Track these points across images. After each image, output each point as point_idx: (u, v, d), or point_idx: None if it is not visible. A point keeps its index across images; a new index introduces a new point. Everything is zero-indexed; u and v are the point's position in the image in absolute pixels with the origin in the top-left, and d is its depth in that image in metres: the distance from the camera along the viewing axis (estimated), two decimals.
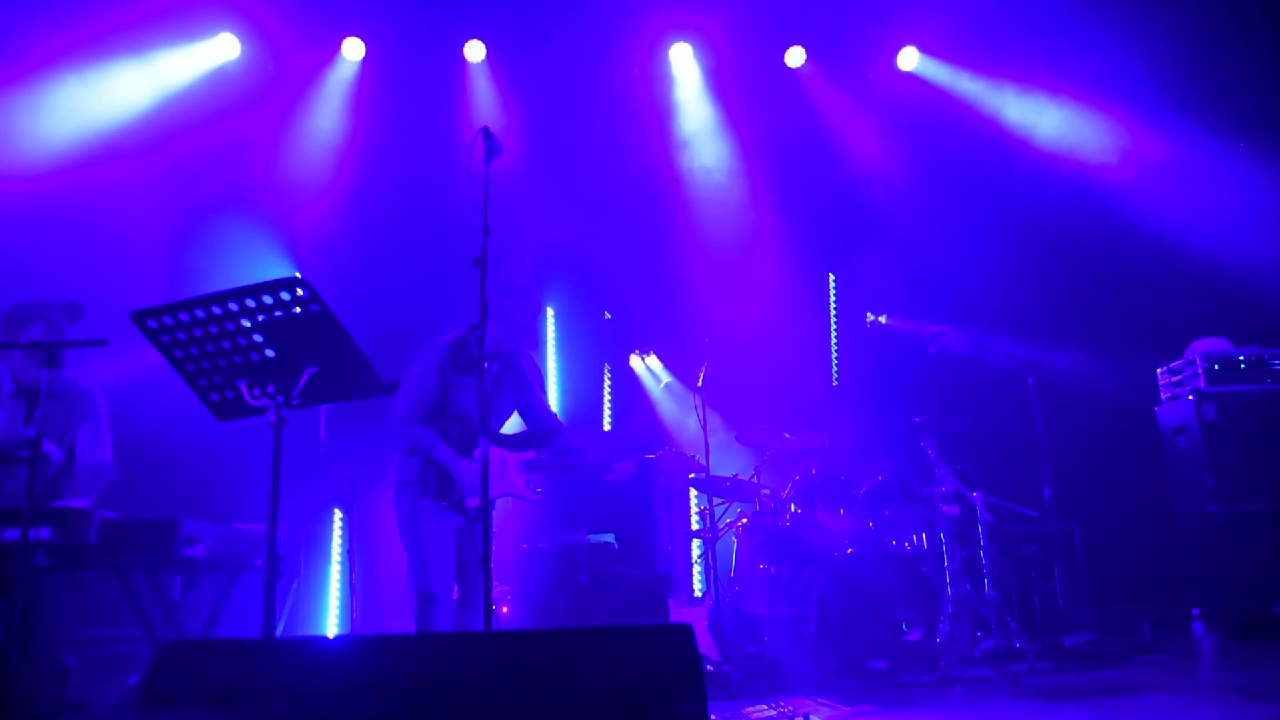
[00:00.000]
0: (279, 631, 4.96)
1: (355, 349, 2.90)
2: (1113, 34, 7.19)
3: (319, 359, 2.88)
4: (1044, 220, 7.70)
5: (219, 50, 7.08)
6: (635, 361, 8.24)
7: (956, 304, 7.32)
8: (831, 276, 8.40)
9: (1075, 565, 6.58)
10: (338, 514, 6.70)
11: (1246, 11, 7.02)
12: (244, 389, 2.90)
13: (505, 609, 5.99)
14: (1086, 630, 6.12)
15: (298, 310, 2.77)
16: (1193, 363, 6.65)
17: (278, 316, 2.78)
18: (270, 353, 2.86)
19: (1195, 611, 5.71)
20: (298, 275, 2.82)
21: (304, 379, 2.88)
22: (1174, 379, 6.87)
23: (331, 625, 6.50)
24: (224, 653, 2.03)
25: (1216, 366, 6.57)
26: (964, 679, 4.83)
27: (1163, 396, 6.98)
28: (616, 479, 4.33)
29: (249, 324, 2.81)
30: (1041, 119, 7.86)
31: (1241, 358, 6.61)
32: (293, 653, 2.07)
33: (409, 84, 7.48)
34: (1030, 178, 7.78)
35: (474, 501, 3.89)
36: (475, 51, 7.57)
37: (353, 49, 7.37)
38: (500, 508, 4.18)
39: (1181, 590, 6.26)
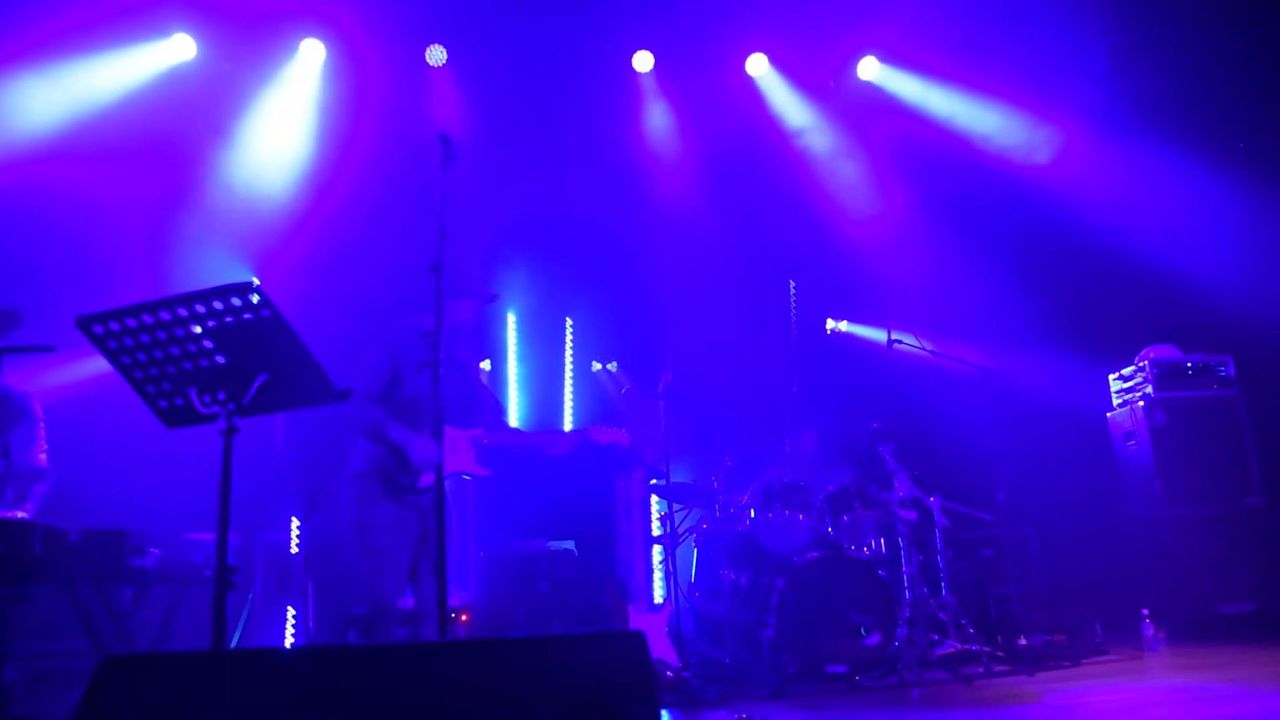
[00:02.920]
0: (233, 644, 4.90)
1: (309, 355, 2.86)
2: (1071, 46, 7.31)
3: (271, 365, 2.84)
4: (1002, 228, 7.81)
5: (174, 51, 6.97)
6: (596, 367, 8.24)
7: (915, 311, 7.40)
8: (792, 283, 8.46)
9: (1030, 568, 6.67)
10: (295, 522, 6.61)
11: (1197, 28, 7.17)
12: (194, 396, 2.85)
13: (465, 617, 5.95)
14: (1041, 632, 6.21)
15: (250, 316, 2.73)
16: (1143, 369, 6.79)
17: (229, 322, 2.73)
18: (221, 359, 2.81)
19: (1145, 612, 5.82)
20: (252, 280, 2.77)
21: (256, 386, 2.84)
22: (1125, 385, 7.01)
23: (287, 637, 6.41)
24: (169, 666, 1.99)
25: (1165, 373, 6.71)
26: (921, 682, 4.88)
27: (1114, 402, 7.11)
28: (557, 453, 4.35)
29: (199, 330, 2.76)
30: (999, 127, 7.97)
31: (1189, 364, 6.76)
32: (241, 665, 2.04)
33: (369, 87, 7.40)
34: (989, 186, 7.89)
35: (428, 480, 3.89)
36: (437, 55, 7.53)
37: (312, 51, 7.29)
38: (456, 502, 4.17)
39: (1132, 592, 6.37)
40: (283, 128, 7.28)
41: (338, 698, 1.90)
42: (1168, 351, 6.85)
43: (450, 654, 2.15)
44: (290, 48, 7.27)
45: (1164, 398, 6.66)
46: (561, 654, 1.94)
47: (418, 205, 3.28)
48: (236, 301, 2.70)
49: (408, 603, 4.01)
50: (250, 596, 5.46)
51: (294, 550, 6.47)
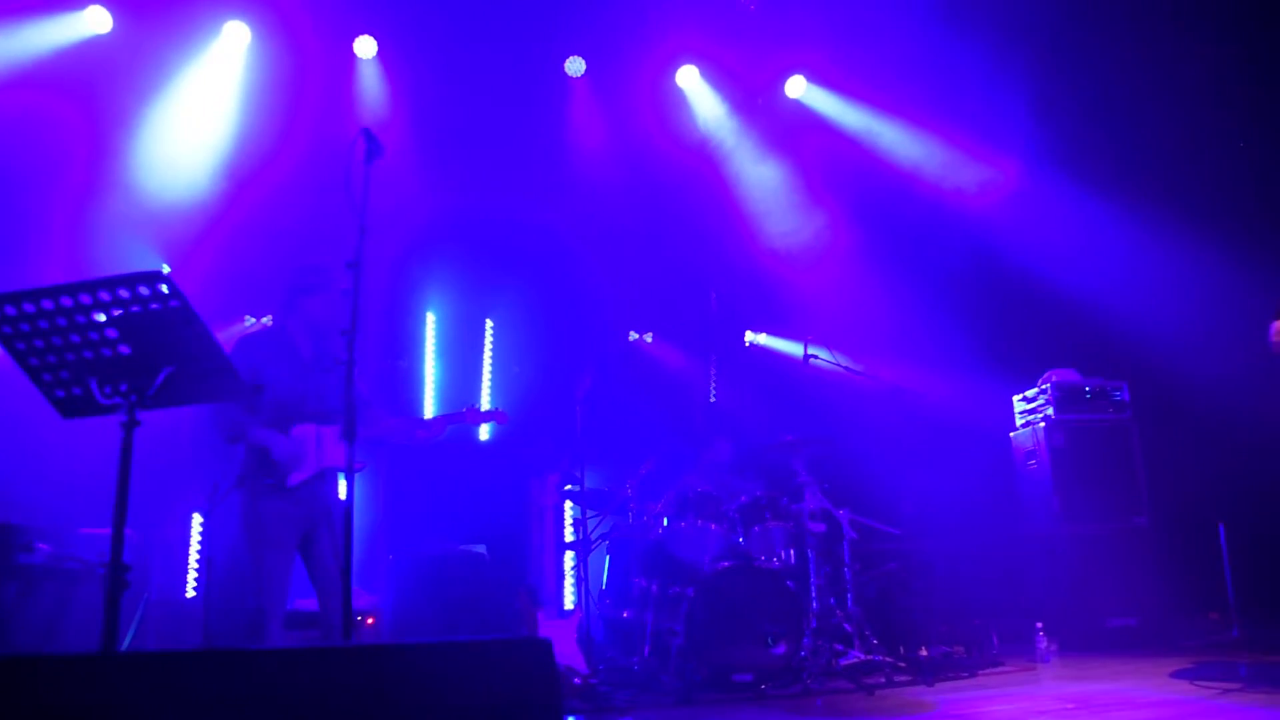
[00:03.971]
0: (124, 645, 4.72)
1: (218, 349, 2.78)
2: (992, 84, 7.56)
3: (178, 358, 2.75)
4: (920, 251, 8.04)
5: (88, 23, 6.68)
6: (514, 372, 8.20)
7: (832, 326, 7.56)
8: (713, 294, 8.56)
9: (934, 581, 6.85)
10: (197, 519, 6.41)
11: (1103, 67, 7.51)
12: (94, 386, 2.75)
13: (371, 621, 5.84)
14: (942, 643, 6.38)
15: (158, 306, 2.64)
16: (1045, 392, 7.05)
17: (135, 312, 2.64)
18: (125, 349, 2.72)
19: (1039, 625, 6.04)
20: (162, 269, 2.69)
21: (161, 378, 2.75)
22: (1028, 406, 7.28)
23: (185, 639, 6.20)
24: (53, 668, 1.90)
25: (1065, 396, 6.98)
26: (825, 691, 4.97)
27: (1018, 423, 7.37)
28: (429, 435, 4.26)
29: (103, 318, 2.66)
30: (922, 154, 8.20)
31: (1088, 388, 7.06)
32: (132, 668, 1.97)
33: (293, 75, 7.22)
34: (909, 210, 8.12)
35: (297, 478, 3.83)
36: (366, 47, 7.40)
37: (235, 34, 7.08)
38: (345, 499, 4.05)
39: (1029, 605, 6.61)
40: (202, 112, 7.03)
41: (234, 703, 1.86)
42: (1068, 375, 7.13)
43: (351, 658, 2.12)
44: (213, 28, 7.04)
45: (1063, 419, 6.94)
46: (466, 660, 1.93)
47: (338, 199, 3.21)
48: (144, 291, 2.61)
49: (310, 605, 3.93)
50: (145, 596, 5.27)
51: (195, 548, 6.27)
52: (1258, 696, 4.11)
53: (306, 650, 3.46)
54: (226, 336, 6.69)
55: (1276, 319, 4.05)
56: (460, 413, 4.42)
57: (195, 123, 7.00)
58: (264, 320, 7.01)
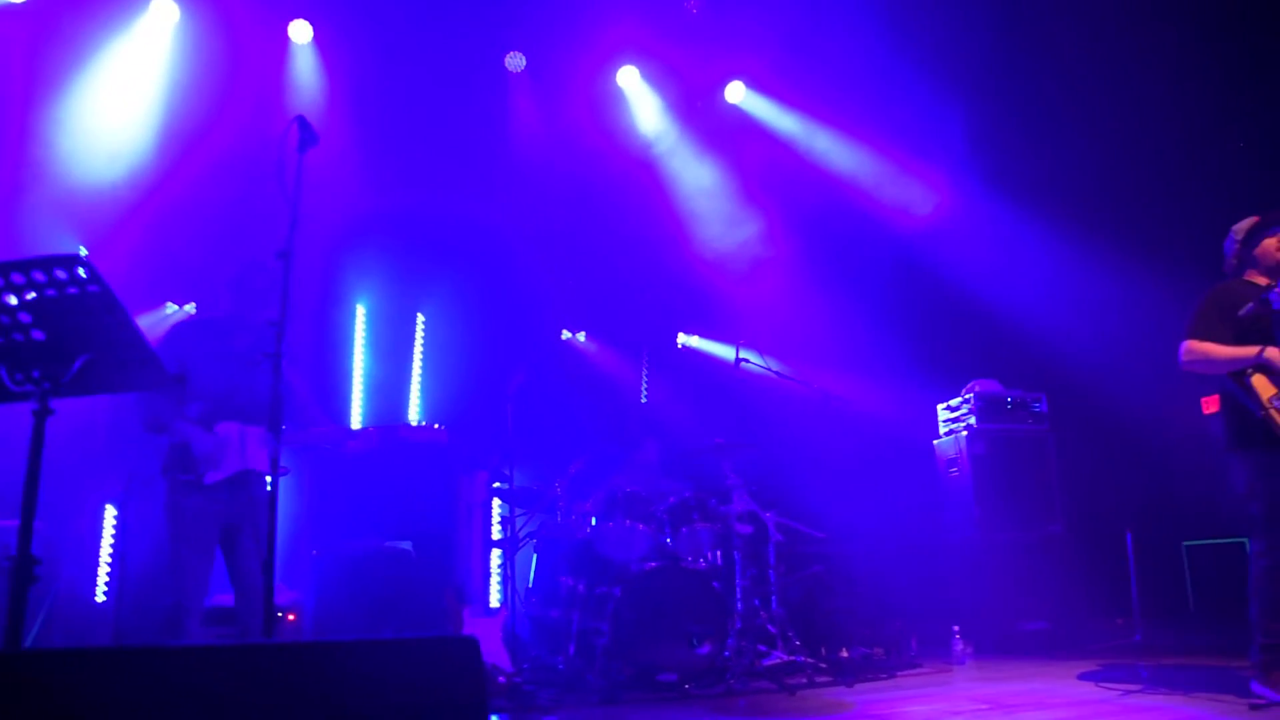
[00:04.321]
0: (29, 641, 4.55)
1: (139, 336, 2.69)
2: (928, 103, 7.74)
3: (97, 345, 2.66)
4: (853, 259, 8.20)
5: None
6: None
7: (763, 331, 7.65)
8: (647, 295, 8.59)
9: (856, 584, 6.98)
10: (110, 511, 6.20)
11: (1032, 92, 7.76)
12: (3, 372, 2.64)
13: (292, 617, 5.73)
14: (863, 645, 6.50)
15: (75, 290, 2.55)
16: (968, 401, 7.24)
17: (50, 296, 2.54)
18: (39, 335, 2.61)
19: (956, 629, 6.20)
20: (79, 251, 2.59)
21: (77, 366, 2.66)
22: (952, 415, 7.46)
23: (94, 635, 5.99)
24: None
25: (987, 406, 7.18)
26: (747, 691, 5.03)
27: (941, 431, 7.55)
28: (358, 447, 4.17)
29: (16, 301, 2.55)
30: (856, 164, 8.35)
31: (1009, 399, 7.26)
32: (37, 666, 1.89)
33: (224, 57, 7.01)
34: (844, 219, 8.27)
35: (214, 477, 3.76)
36: (301, 32, 7.25)
37: (163, 10, 6.85)
38: (264, 498, 3.95)
39: (947, 609, 6.78)
40: (126, 91, 6.79)
41: (147, 701, 1.80)
42: (991, 386, 7.33)
43: (271, 655, 2.07)
44: (139, 3, 6.81)
45: (985, 429, 7.13)
46: (390, 658, 1.90)
47: (269, 186, 3.14)
48: (61, 274, 2.51)
49: (227, 601, 3.84)
50: (54, 590, 5.08)
51: (108, 541, 6.07)
52: (1156, 698, 4.29)
53: (223, 648, 3.38)
54: (150, 323, 6.49)
55: (1187, 338, 4.21)
56: (395, 427, 4.33)
57: (118, 102, 6.75)
58: (186, 308, 6.81)
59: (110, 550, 6.04)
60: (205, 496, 3.78)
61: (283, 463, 3.25)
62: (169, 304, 6.87)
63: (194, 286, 6.79)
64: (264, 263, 4.06)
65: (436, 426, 4.37)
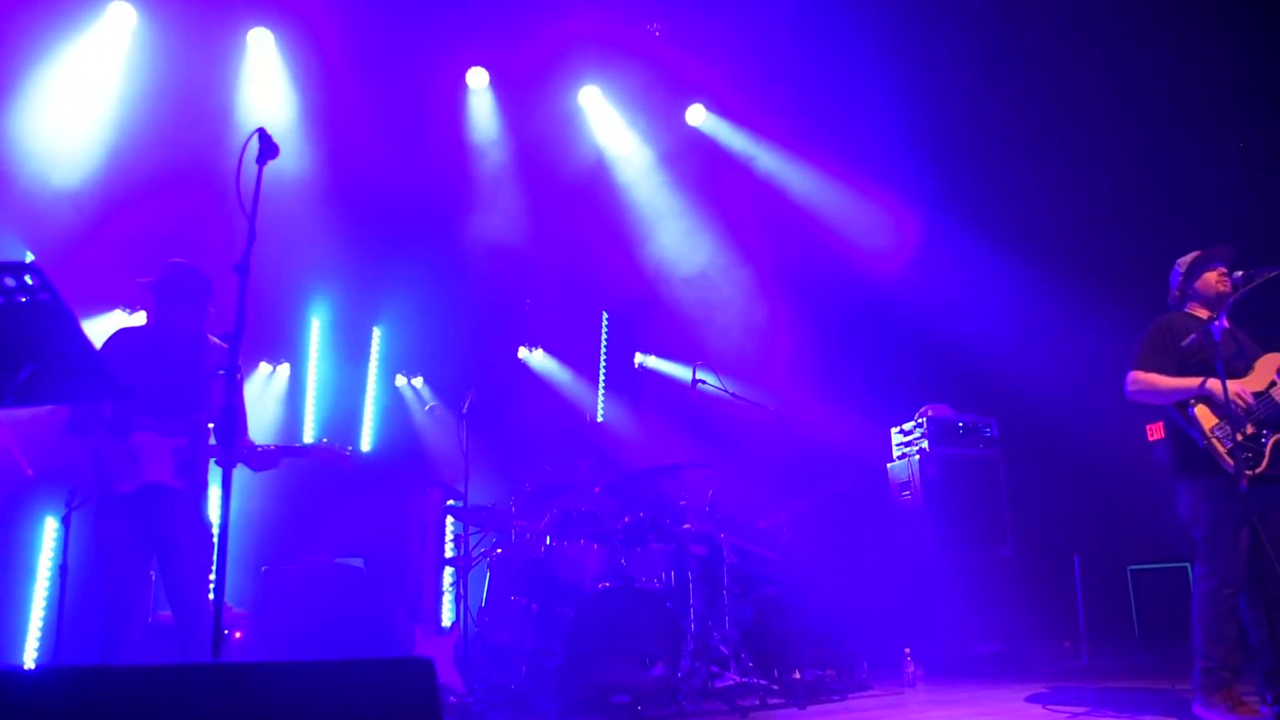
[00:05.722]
0: None
1: (89, 346, 2.63)
2: (884, 131, 7.87)
3: (43, 355, 2.59)
4: (811, 284, 8.28)
5: None
6: (401, 382, 8.04)
7: (720, 352, 7.69)
8: (605, 314, 8.59)
9: (809, 606, 7.00)
10: (50, 524, 6.03)
11: (994, 126, 7.94)
12: None
13: (239, 635, 5.61)
14: (815, 667, 6.52)
15: (23, 299, 2.48)
16: (921, 425, 7.33)
17: None
18: None
19: (907, 651, 6.25)
20: (27, 258, 2.53)
21: (23, 375, 2.58)
22: (905, 439, 7.54)
23: (31, 653, 5.81)
24: None
25: (940, 430, 7.28)
26: (700, 713, 5.02)
27: (894, 454, 7.63)
28: (259, 468, 4.06)
29: None
30: (815, 190, 8.45)
31: (961, 423, 7.37)
32: None
33: (182, 63, 6.90)
34: (802, 244, 8.36)
35: (123, 488, 3.72)
36: (261, 41, 7.17)
37: (120, 14, 6.73)
38: (178, 513, 3.86)
39: (899, 631, 6.83)
40: (80, 95, 6.64)
41: None
42: (943, 411, 7.44)
43: (218, 676, 2.02)
44: (95, 7, 6.69)
45: (937, 452, 7.22)
46: (341, 679, 1.87)
47: (225, 195, 3.10)
48: (9, 281, 2.44)
49: (166, 618, 3.75)
50: None
51: (49, 556, 5.90)
52: None
53: (164, 667, 3.29)
54: (99, 330, 6.34)
55: (1133, 369, 4.32)
56: (299, 448, 4.17)
57: (72, 106, 6.60)
58: (135, 315, 6.67)
59: (51, 564, 5.88)
60: (125, 508, 3.71)
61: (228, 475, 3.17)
62: (119, 309, 6.72)
63: (145, 294, 6.65)
64: (188, 265, 4.01)
65: (349, 449, 4.22)
